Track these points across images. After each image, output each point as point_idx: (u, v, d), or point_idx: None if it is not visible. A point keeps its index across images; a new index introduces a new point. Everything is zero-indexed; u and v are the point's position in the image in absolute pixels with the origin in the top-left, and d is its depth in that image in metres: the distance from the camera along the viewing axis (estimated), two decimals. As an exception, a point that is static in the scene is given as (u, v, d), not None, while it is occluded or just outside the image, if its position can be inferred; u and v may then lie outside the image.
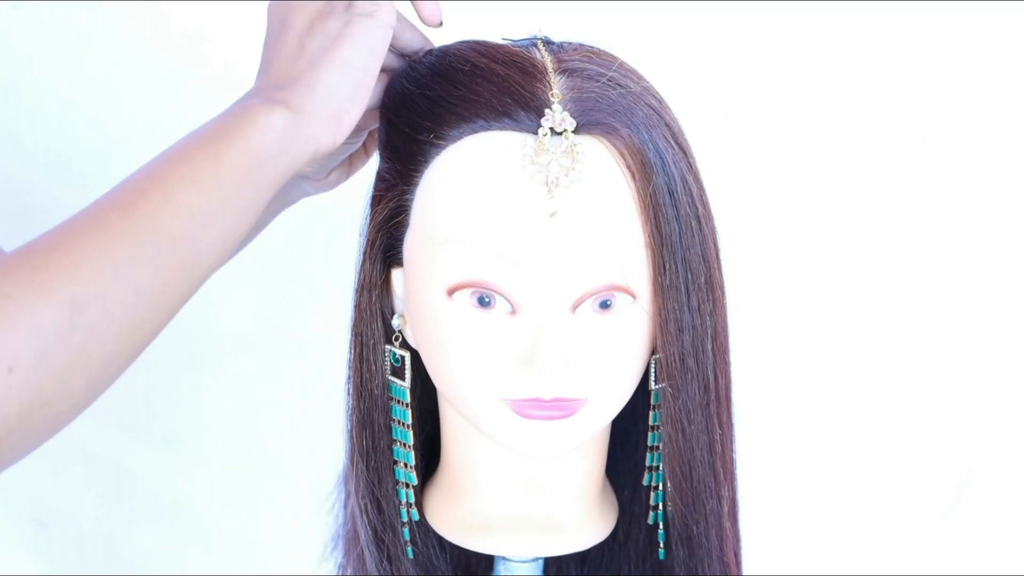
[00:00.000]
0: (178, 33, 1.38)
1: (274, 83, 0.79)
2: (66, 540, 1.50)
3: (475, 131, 0.79)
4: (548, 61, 0.81)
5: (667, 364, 0.84)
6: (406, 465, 0.90)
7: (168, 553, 1.50)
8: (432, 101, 0.81)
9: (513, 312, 0.80)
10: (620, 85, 0.81)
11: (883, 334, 1.46)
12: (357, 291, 0.88)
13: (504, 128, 0.79)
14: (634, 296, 0.81)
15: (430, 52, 0.85)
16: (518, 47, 0.83)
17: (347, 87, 0.78)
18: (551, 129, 0.78)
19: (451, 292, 0.80)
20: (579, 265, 0.79)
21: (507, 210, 0.78)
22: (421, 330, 0.84)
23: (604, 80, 0.80)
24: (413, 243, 0.83)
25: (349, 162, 1.00)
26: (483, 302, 0.79)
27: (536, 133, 0.78)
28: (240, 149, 0.74)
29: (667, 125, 0.82)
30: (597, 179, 0.79)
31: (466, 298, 0.80)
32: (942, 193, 1.43)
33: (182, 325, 1.37)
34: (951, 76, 1.40)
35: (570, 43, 0.85)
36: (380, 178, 0.85)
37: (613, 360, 0.82)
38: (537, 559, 0.94)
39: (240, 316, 1.45)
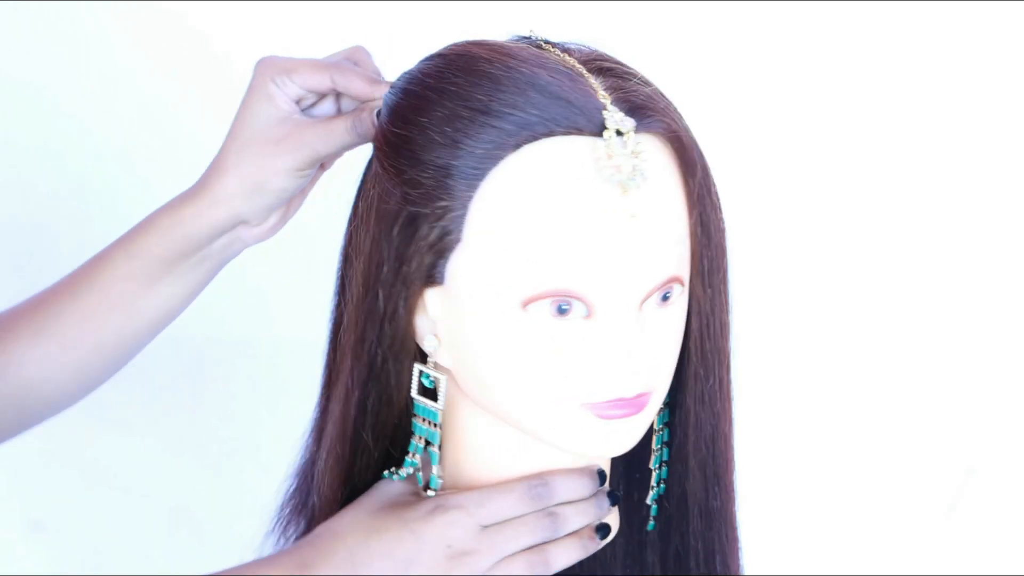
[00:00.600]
0: (176, 33, 1.38)
1: None
2: (63, 542, 1.50)
3: (535, 138, 0.77)
4: (574, 62, 0.81)
5: (700, 347, 0.86)
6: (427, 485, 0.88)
7: (166, 555, 1.50)
8: (479, 111, 0.78)
9: (588, 316, 0.79)
10: (648, 83, 0.82)
11: (884, 335, 1.46)
12: (384, 314, 0.83)
13: (567, 133, 0.78)
14: (684, 285, 0.83)
15: (445, 60, 0.82)
16: (534, 47, 0.83)
17: None
18: (616, 131, 0.77)
19: (526, 304, 0.78)
20: (651, 262, 0.79)
21: (586, 214, 0.77)
22: (475, 348, 0.81)
23: (636, 79, 0.81)
24: (465, 260, 0.80)
25: (288, 205, 0.96)
26: (562, 310, 0.78)
27: (598, 135, 0.77)
28: None
29: (683, 118, 0.83)
30: (657, 175, 0.79)
31: (544, 308, 0.78)
32: (943, 194, 1.43)
33: (182, 329, 1.38)
34: (951, 76, 1.40)
35: (568, 43, 0.85)
36: (408, 197, 0.80)
37: (674, 350, 0.84)
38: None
39: (240, 319, 1.45)
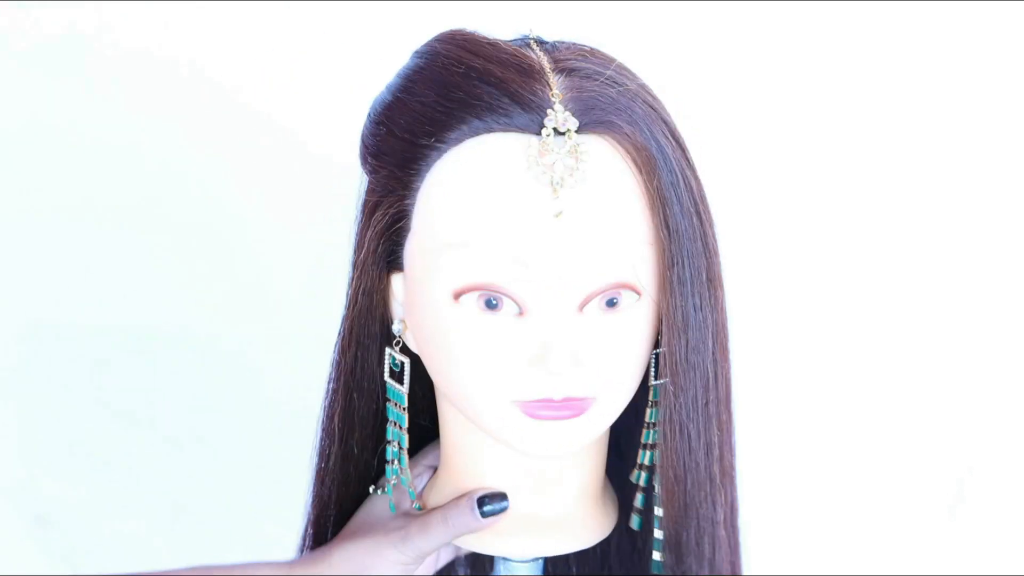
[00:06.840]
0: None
1: None
2: (70, 539, 1.51)
3: (475, 133, 0.79)
4: (544, 60, 0.81)
5: (671, 360, 0.84)
6: (400, 467, 0.91)
7: (171, 552, 1.50)
8: (428, 106, 0.81)
9: (520, 313, 0.80)
10: (617, 83, 0.81)
11: (883, 335, 1.46)
12: (352, 297, 0.87)
13: (505, 129, 0.79)
14: (639, 293, 0.81)
15: (416, 54, 0.85)
16: (511, 46, 0.83)
17: None
18: (555, 129, 0.78)
19: (457, 296, 0.80)
20: (586, 264, 0.79)
21: (513, 211, 0.78)
22: (425, 334, 0.84)
23: (603, 79, 0.81)
24: (415, 248, 0.83)
25: None
26: (490, 304, 0.80)
27: (539, 134, 0.78)
28: None
29: (664, 121, 0.83)
30: (602, 177, 0.79)
31: (473, 301, 0.80)
32: (942, 193, 1.43)
33: (188, 326, 1.39)
34: (951, 76, 1.40)
35: (563, 42, 0.85)
36: (373, 186, 0.85)
37: (620, 358, 0.83)
38: (537, 559, 0.94)
39: (245, 317, 1.45)
